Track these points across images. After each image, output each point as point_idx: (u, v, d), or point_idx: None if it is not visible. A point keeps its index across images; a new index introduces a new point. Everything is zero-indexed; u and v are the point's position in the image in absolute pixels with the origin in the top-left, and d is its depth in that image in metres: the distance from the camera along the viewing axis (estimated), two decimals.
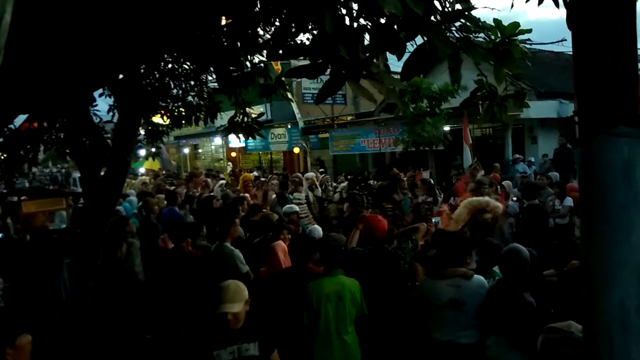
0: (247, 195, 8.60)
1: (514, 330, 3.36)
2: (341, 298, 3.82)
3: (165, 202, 8.27)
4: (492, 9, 3.00)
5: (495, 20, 2.73)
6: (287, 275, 4.39)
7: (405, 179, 8.42)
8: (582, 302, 1.44)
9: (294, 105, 16.45)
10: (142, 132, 6.12)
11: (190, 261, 5.03)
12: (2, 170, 5.47)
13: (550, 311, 3.51)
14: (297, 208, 6.63)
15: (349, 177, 11.42)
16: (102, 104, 5.37)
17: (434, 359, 3.75)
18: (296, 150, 19.38)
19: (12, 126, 4.82)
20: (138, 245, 5.49)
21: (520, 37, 2.81)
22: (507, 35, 2.71)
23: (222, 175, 17.30)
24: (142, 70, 4.41)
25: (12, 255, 5.21)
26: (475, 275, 3.71)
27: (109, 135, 4.98)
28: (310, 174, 9.97)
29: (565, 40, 3.08)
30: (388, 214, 5.96)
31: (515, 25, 2.73)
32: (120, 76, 4.14)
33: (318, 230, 5.49)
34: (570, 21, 1.45)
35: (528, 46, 3.23)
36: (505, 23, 2.74)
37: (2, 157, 5.43)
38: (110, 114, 5.31)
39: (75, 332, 3.92)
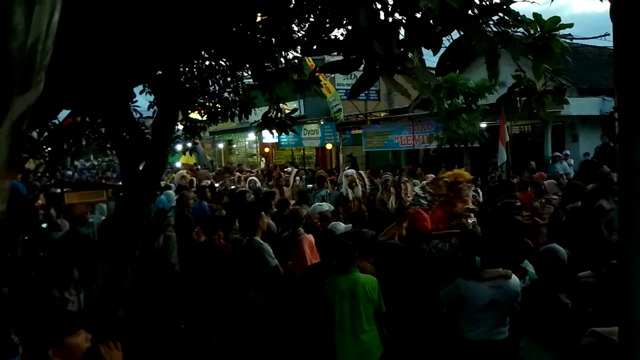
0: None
1: (548, 331, 3.29)
2: (355, 295, 3.80)
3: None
4: (532, 2, 2.93)
5: (534, 14, 2.66)
6: (315, 270, 4.42)
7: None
8: (617, 301, 1.40)
9: (334, 96, 16.45)
10: (180, 127, 6.28)
11: (220, 254, 5.12)
12: (47, 162, 5.71)
13: (588, 310, 3.42)
14: (326, 207, 6.63)
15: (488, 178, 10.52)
16: (143, 101, 5.54)
17: (465, 358, 3.71)
18: (329, 146, 19.40)
19: (56, 121, 5.02)
20: (175, 238, 5.64)
21: (561, 31, 2.73)
22: (547, 29, 2.64)
23: (253, 171, 17.50)
24: (180, 68, 4.51)
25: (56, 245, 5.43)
26: (513, 275, 3.67)
27: (148, 131, 5.12)
28: (350, 171, 9.39)
29: (609, 34, 2.98)
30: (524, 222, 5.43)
31: (556, 19, 2.66)
32: (160, 73, 4.25)
33: (339, 226, 5.49)
34: (613, 14, 1.41)
35: (569, 41, 3.14)
36: (548, 16, 2.67)
37: (47, 151, 5.66)
38: (151, 110, 5.46)
39: (112, 319, 4.06)
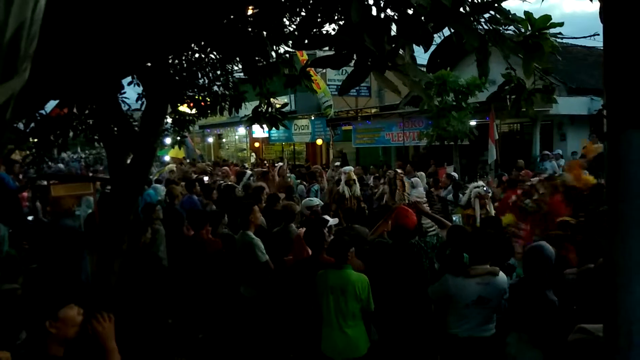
0: None
1: (535, 327, 3.32)
2: (344, 292, 3.82)
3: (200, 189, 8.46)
4: (524, 0, 2.94)
5: (525, 12, 2.67)
6: (303, 264, 4.43)
7: None
8: (602, 299, 1.41)
9: (325, 92, 16.40)
10: (169, 120, 6.22)
11: (207, 249, 5.09)
12: (33, 154, 5.63)
13: (573, 308, 3.46)
14: (316, 202, 6.59)
15: None
16: (131, 93, 5.48)
17: (452, 354, 3.74)
18: (319, 142, 19.38)
19: (43, 112, 4.95)
20: (163, 232, 5.59)
21: (552, 30, 2.74)
22: (537, 28, 2.65)
23: (246, 165, 17.43)
24: (170, 60, 4.46)
25: (41, 237, 5.38)
26: (500, 272, 3.69)
27: (136, 123, 5.06)
28: (348, 168, 8.94)
29: (598, 34, 3.00)
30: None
31: (547, 18, 2.67)
32: (149, 64, 4.20)
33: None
34: (602, 14, 1.42)
35: (559, 40, 3.15)
36: (539, 15, 2.68)
37: (33, 142, 5.57)
38: (139, 102, 5.40)
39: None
